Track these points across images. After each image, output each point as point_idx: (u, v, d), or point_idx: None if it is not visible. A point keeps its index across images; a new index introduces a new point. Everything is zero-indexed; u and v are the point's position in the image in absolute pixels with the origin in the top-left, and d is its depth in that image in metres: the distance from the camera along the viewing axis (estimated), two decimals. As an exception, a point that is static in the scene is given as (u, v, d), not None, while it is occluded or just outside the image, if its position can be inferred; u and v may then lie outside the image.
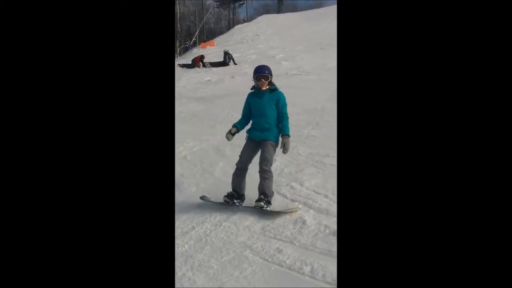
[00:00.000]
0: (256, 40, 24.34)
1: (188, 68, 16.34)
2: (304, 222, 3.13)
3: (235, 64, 16.31)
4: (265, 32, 26.91)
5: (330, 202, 3.43)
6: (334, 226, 2.98)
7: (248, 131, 3.67)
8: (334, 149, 4.61)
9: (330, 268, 2.47)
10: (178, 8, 34.01)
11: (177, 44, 30.92)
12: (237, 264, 2.64)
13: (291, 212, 3.31)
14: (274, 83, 3.66)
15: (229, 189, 3.57)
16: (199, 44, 27.74)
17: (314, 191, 3.73)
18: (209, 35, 37.87)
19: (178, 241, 2.98)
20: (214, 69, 15.79)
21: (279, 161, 4.52)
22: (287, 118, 3.55)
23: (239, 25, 34.93)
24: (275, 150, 3.55)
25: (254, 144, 3.59)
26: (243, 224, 3.22)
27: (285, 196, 3.64)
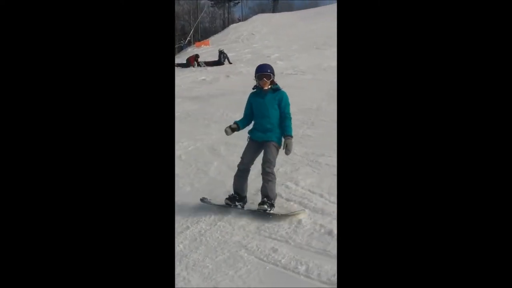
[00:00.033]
0: (251, 40, 24.34)
1: (182, 67, 16.29)
2: (299, 221, 3.12)
3: (230, 63, 16.30)
4: (260, 31, 26.92)
5: (325, 202, 3.43)
6: (329, 226, 2.99)
7: (250, 132, 3.58)
8: (329, 148, 4.68)
9: (325, 267, 2.48)
10: (173, 7, 33.84)
11: (172, 43, 30.77)
12: (232, 264, 2.64)
13: (296, 215, 3.23)
14: (277, 83, 3.55)
15: (224, 188, 3.53)
16: (194, 43, 27.66)
17: (309, 191, 3.73)
18: (203, 34, 37.72)
19: (172, 241, 2.97)
20: (209, 68, 15.78)
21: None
22: (290, 118, 3.44)
23: (234, 24, 34.83)
24: (277, 151, 3.44)
25: (256, 145, 3.50)
26: (238, 224, 3.21)
27: (281, 196, 3.63)
